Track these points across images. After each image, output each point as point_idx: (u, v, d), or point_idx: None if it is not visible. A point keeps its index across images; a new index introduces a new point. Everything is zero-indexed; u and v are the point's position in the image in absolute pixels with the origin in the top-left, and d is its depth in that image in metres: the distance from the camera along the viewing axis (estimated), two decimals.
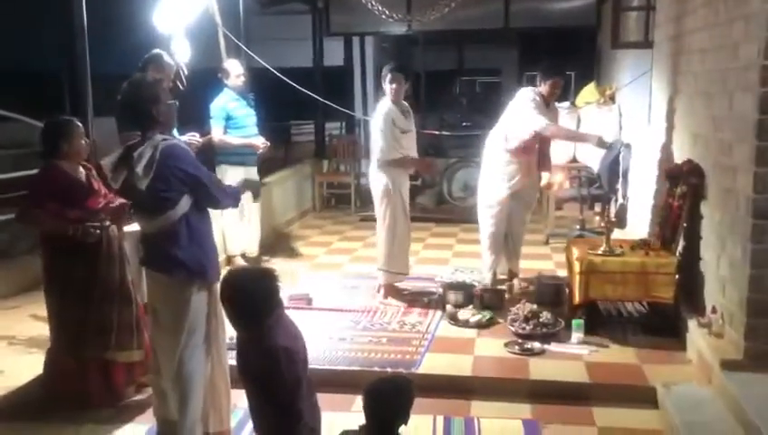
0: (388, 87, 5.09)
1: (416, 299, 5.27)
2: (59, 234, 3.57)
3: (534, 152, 5.33)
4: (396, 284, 5.42)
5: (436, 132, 9.90)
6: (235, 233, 6.21)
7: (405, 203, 5.23)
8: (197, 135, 5.29)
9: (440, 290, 5.35)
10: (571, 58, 13.80)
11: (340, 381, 3.94)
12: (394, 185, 5.13)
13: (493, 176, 5.34)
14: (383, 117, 5.06)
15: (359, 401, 3.70)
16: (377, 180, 5.17)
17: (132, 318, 3.76)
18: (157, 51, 4.97)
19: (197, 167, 3.11)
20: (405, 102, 5.27)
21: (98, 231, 3.63)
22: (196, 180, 3.06)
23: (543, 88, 5.17)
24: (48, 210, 3.55)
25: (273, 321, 2.64)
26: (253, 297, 2.64)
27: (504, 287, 5.33)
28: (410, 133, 5.23)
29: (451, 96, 19.37)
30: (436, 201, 9.37)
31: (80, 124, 3.77)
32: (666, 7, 5.43)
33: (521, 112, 5.18)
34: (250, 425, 3.55)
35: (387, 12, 6.31)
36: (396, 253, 5.23)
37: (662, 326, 4.46)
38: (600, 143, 5.40)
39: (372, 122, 5.21)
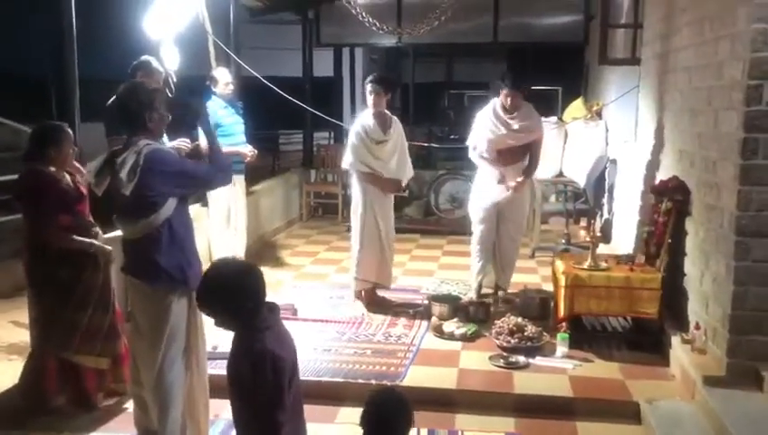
0: (368, 97, 5.20)
1: (401, 311, 5.25)
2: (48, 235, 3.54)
3: (507, 163, 5.30)
4: (378, 293, 5.43)
5: (425, 144, 9.90)
6: (220, 240, 6.17)
7: (378, 215, 5.23)
8: (188, 141, 5.28)
9: (426, 302, 5.34)
10: (558, 73, 13.98)
11: (324, 393, 3.91)
12: (365, 195, 5.21)
13: (476, 183, 5.45)
14: (356, 129, 5.20)
15: (342, 412, 3.73)
16: (353, 188, 5.33)
17: (104, 325, 3.72)
18: (146, 57, 4.95)
19: (181, 162, 3.12)
20: (388, 112, 5.31)
21: (109, 248, 3.67)
22: (183, 173, 3.07)
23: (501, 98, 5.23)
24: (60, 223, 3.54)
25: (264, 325, 2.52)
26: (233, 289, 2.49)
27: (489, 300, 5.34)
28: (388, 143, 5.24)
29: (439, 109, 19.46)
30: (423, 213, 9.38)
31: (70, 131, 3.75)
32: (653, 25, 5.50)
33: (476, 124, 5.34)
34: None
35: (377, 24, 6.33)
36: (365, 261, 5.24)
37: (646, 342, 4.47)
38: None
39: (350, 131, 5.32)
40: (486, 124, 5.26)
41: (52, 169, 3.60)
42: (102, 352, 3.73)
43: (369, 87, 5.20)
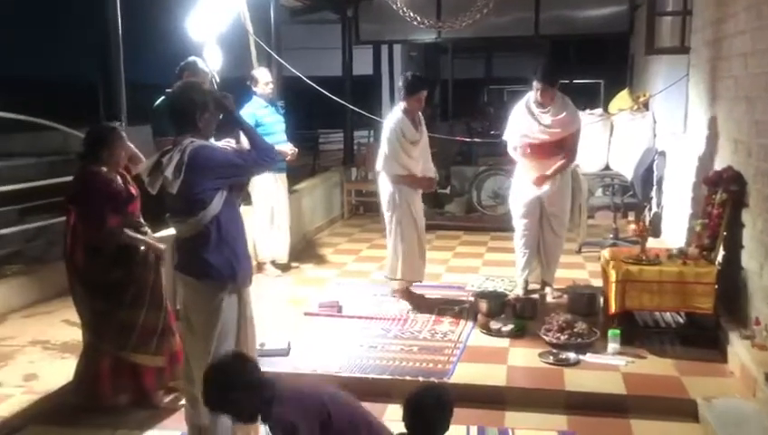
0: (411, 98, 5.05)
1: (446, 308, 5.20)
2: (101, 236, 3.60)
3: (541, 159, 5.17)
4: (415, 291, 5.41)
5: (467, 139, 9.81)
6: (265, 239, 6.22)
7: (413, 211, 5.17)
8: (233, 141, 5.33)
9: (471, 299, 5.28)
10: (601, 66, 13.73)
11: (371, 390, 3.89)
12: (401, 194, 5.11)
13: (516, 177, 5.36)
14: (392, 128, 5.06)
15: (390, 409, 3.70)
16: (383, 188, 5.19)
17: (158, 323, 3.76)
18: (192, 58, 5.01)
19: (224, 154, 3.13)
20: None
21: (161, 246, 3.72)
22: (226, 165, 3.07)
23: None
24: (110, 223, 3.61)
25: (268, 401, 2.48)
26: (241, 385, 2.48)
27: (536, 296, 5.24)
28: (420, 142, 5.17)
29: (479, 104, 19.31)
30: (466, 209, 9.31)
31: (122, 133, 3.80)
32: (703, 11, 5.33)
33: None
34: None
35: (418, 18, 6.27)
36: (408, 261, 5.18)
37: (701, 337, 4.33)
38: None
39: (383, 130, 5.20)
40: (519, 119, 5.16)
41: (105, 169, 3.66)
42: (158, 350, 3.77)
43: (421, 94, 5.06)
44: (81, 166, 3.72)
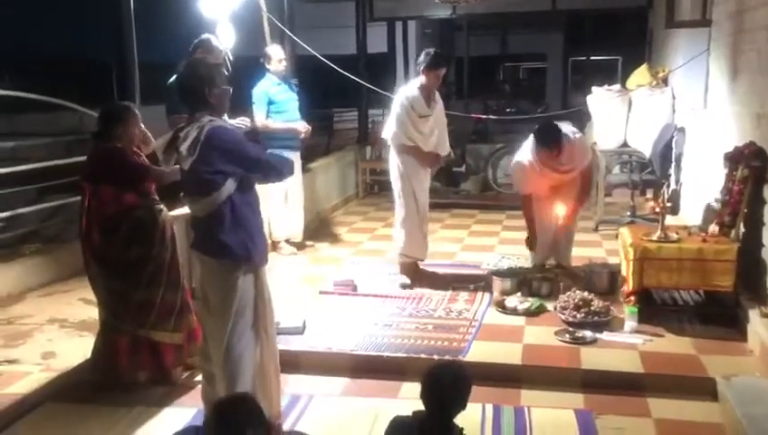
0: (430, 73, 5.02)
1: (461, 286, 5.18)
2: (120, 212, 3.61)
3: (560, 192, 5.14)
4: (422, 266, 5.40)
5: (483, 116, 9.72)
6: (279, 219, 6.22)
7: (414, 186, 5.15)
8: (247, 120, 5.31)
9: (487, 277, 5.25)
10: (618, 42, 13.53)
11: (386, 368, 3.90)
12: (405, 168, 5.12)
13: (529, 170, 5.16)
14: (402, 101, 5.06)
15: (405, 387, 3.70)
16: (392, 161, 5.22)
17: (176, 301, 3.78)
18: (206, 35, 4.99)
19: (242, 141, 3.08)
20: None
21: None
22: (242, 153, 3.02)
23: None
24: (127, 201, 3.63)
25: None
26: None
27: (552, 275, 5.20)
28: (430, 118, 5.15)
29: (495, 82, 19.14)
30: (481, 188, 9.25)
31: (136, 111, 3.80)
32: None
33: None
34: (298, 408, 3.57)
35: None
36: (408, 239, 5.20)
37: (720, 316, 4.29)
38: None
39: (393, 103, 5.21)
40: (531, 177, 5.03)
41: (120, 145, 3.66)
42: (176, 327, 3.79)
43: (441, 70, 5.03)
44: (96, 144, 3.72)
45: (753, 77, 4.45)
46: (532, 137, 4.96)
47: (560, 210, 5.15)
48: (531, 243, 5.30)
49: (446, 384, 2.42)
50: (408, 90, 5.17)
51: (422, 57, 5.13)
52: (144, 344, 3.74)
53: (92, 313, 4.30)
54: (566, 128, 4.94)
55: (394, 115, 5.12)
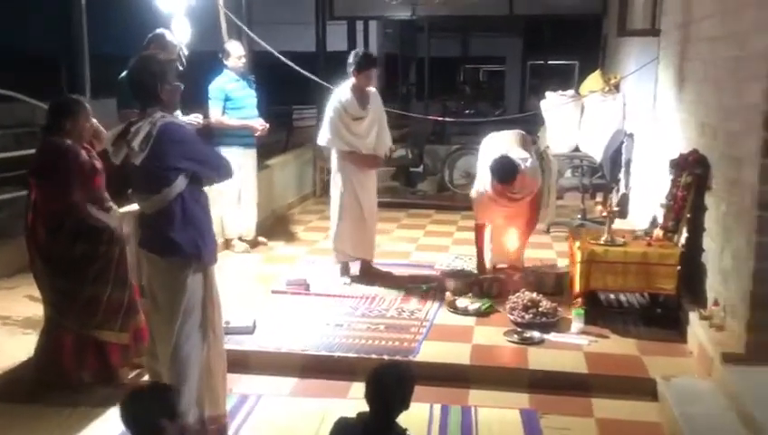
0: (360, 75, 5.03)
1: (414, 286, 5.22)
2: (67, 209, 3.53)
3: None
4: (376, 267, 5.45)
5: (440, 118, 9.81)
6: (232, 216, 6.17)
7: (357, 189, 5.19)
8: (201, 116, 5.25)
9: (440, 277, 5.31)
10: (576, 47, 13.79)
11: (336, 368, 3.91)
12: (344, 171, 5.16)
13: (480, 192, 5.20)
14: (335, 105, 5.09)
15: (355, 387, 3.71)
16: (333, 161, 5.27)
17: (123, 300, 3.72)
18: (160, 30, 4.92)
19: (195, 139, 3.07)
20: (369, 88, 5.22)
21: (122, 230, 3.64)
22: (194, 151, 3.02)
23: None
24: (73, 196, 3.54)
25: None
26: None
27: (503, 275, 5.28)
28: (365, 119, 5.16)
29: (455, 83, 19.30)
30: (438, 188, 9.32)
31: (87, 105, 3.72)
32: None
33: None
34: (246, 408, 3.56)
35: None
36: (343, 235, 5.23)
37: (663, 318, 4.41)
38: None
39: (326, 107, 5.22)
40: (488, 205, 5.09)
41: (69, 141, 3.58)
42: (123, 326, 3.73)
43: (371, 72, 5.07)
44: (45, 138, 3.63)
45: (698, 86, 4.59)
46: (489, 170, 4.90)
47: (511, 244, 5.30)
48: (480, 270, 5.35)
49: (390, 384, 2.45)
50: (340, 93, 5.15)
51: (351, 58, 5.11)
52: (89, 344, 3.67)
53: (38, 310, 4.20)
54: (517, 154, 4.94)
55: (327, 120, 5.12)
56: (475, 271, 5.37)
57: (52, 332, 3.71)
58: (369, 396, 2.45)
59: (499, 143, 5.24)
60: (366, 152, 5.18)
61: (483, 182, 5.06)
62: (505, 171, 4.81)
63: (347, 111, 5.08)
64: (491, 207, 5.11)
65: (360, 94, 5.14)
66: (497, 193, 4.93)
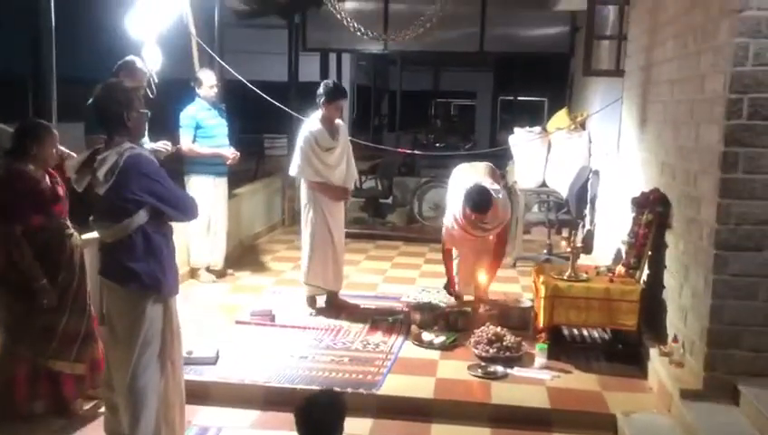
0: (330, 106, 5.11)
1: (380, 318, 5.21)
2: (26, 234, 3.46)
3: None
4: (342, 297, 5.45)
5: (409, 151, 9.90)
6: (200, 245, 6.11)
7: (329, 219, 5.22)
8: (169, 143, 5.23)
9: (406, 310, 5.30)
10: (545, 84, 14.08)
11: (298, 401, 3.85)
12: (315, 202, 5.19)
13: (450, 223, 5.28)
14: (306, 136, 5.13)
15: None
16: (302, 192, 5.28)
17: (80, 329, 3.65)
18: (130, 57, 4.91)
19: (161, 174, 3.05)
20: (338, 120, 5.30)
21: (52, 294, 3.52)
22: (159, 185, 3.01)
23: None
24: (33, 223, 3.46)
25: None
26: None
27: (468, 309, 5.30)
28: (336, 149, 5.22)
29: (426, 116, 19.52)
30: (407, 220, 9.37)
31: (55, 132, 3.67)
32: (637, 37, 5.52)
33: None
34: None
35: (362, 29, 6.31)
36: (316, 267, 5.23)
37: (625, 353, 4.46)
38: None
39: (297, 138, 5.26)
40: (457, 234, 5.19)
41: (32, 167, 3.53)
42: (78, 357, 3.64)
43: (341, 102, 5.16)
44: (7, 162, 3.57)
45: (658, 127, 4.72)
46: (462, 199, 4.99)
47: (481, 278, 5.36)
48: (449, 287, 5.39)
49: (319, 413, 2.44)
50: (310, 124, 5.20)
51: (321, 89, 5.18)
52: (43, 373, 3.58)
53: None
54: (488, 185, 5.05)
55: (298, 150, 5.15)
56: (442, 304, 5.39)
57: (5, 360, 3.60)
58: (300, 427, 2.43)
59: (469, 174, 5.33)
60: (336, 183, 5.21)
61: (453, 211, 5.10)
62: (481, 199, 4.88)
63: (318, 141, 5.12)
64: (461, 236, 5.14)
65: (329, 125, 5.19)
66: (469, 222, 4.97)
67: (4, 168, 3.57)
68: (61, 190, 3.64)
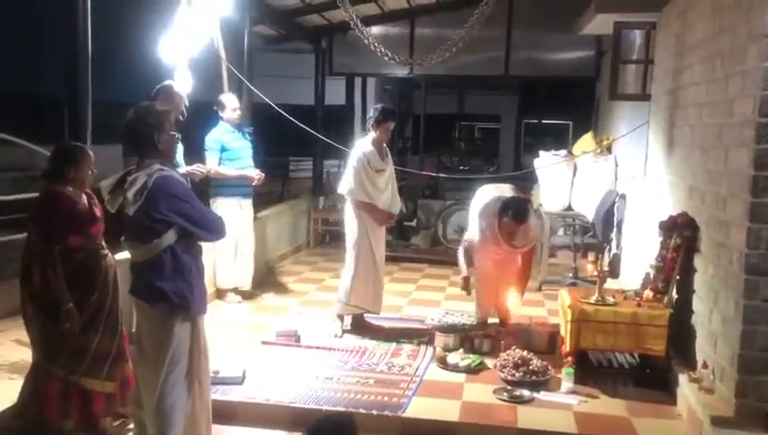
0: (380, 128, 5.22)
1: (405, 341, 5.20)
2: (62, 254, 3.52)
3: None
4: (367, 319, 5.47)
5: (434, 174, 9.93)
6: (227, 266, 6.17)
7: (373, 242, 5.27)
8: (204, 166, 5.33)
9: (430, 332, 5.29)
10: (570, 108, 14.06)
11: (308, 425, 3.85)
12: (361, 221, 5.22)
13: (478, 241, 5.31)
14: (359, 156, 5.20)
15: None
16: (347, 212, 5.32)
17: (112, 348, 3.69)
18: (168, 82, 5.03)
19: (191, 196, 3.10)
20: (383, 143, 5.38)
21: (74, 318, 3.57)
22: (188, 206, 3.05)
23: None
24: (70, 243, 3.53)
25: None
26: None
27: (494, 332, 5.27)
28: (385, 172, 5.31)
29: (450, 140, 19.57)
30: (431, 243, 9.36)
31: (90, 153, 3.75)
32: (664, 61, 5.52)
33: None
34: None
35: (389, 54, 6.38)
36: (359, 287, 5.25)
37: (652, 379, 4.41)
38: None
39: (349, 157, 5.35)
40: (489, 248, 5.20)
41: (70, 188, 3.61)
42: (109, 375, 3.68)
43: (390, 124, 5.26)
44: (46, 185, 3.66)
45: (686, 150, 4.70)
46: (496, 209, 5.05)
47: (511, 300, 5.39)
48: (466, 285, 5.37)
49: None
50: (363, 145, 5.30)
51: (371, 112, 5.35)
52: (74, 391, 3.61)
53: (24, 355, 4.18)
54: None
55: (351, 170, 5.22)
56: (466, 327, 5.37)
57: (38, 378, 3.66)
58: None
59: (495, 192, 5.34)
60: (382, 207, 5.27)
61: (481, 226, 5.14)
62: (520, 208, 4.94)
63: (370, 162, 5.20)
64: (487, 250, 5.11)
65: (379, 147, 5.29)
66: (502, 234, 4.98)
67: (42, 190, 3.66)
68: (98, 211, 3.71)
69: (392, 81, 15.82)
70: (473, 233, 5.29)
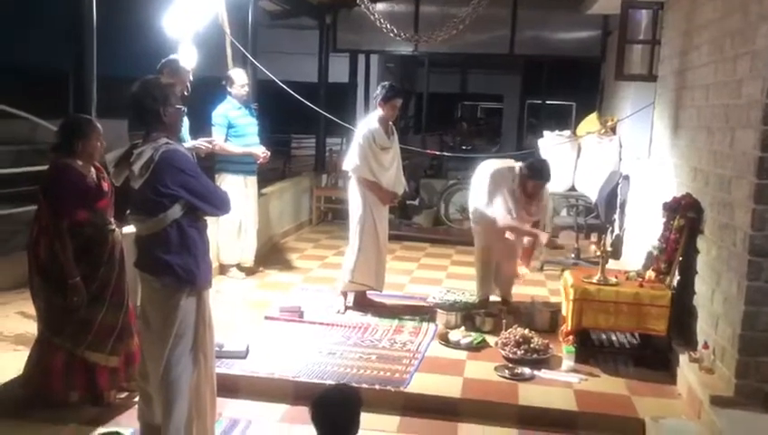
0: (386, 105, 5.18)
1: (407, 318, 5.24)
2: (70, 228, 3.54)
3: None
4: (369, 296, 5.49)
5: (437, 153, 9.92)
6: (230, 243, 6.19)
7: (376, 220, 5.27)
8: (211, 140, 5.32)
9: (432, 310, 5.33)
10: (574, 88, 14.00)
11: (313, 397, 3.89)
12: (367, 199, 5.22)
13: (485, 213, 5.28)
14: (365, 133, 5.18)
15: None
16: (352, 189, 5.31)
17: (117, 323, 3.72)
18: (174, 56, 5.01)
19: (196, 170, 3.10)
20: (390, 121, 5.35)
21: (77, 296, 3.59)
22: (194, 180, 3.05)
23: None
24: (78, 217, 3.54)
25: None
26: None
27: (496, 311, 5.31)
28: (390, 151, 5.28)
29: (453, 119, 19.51)
30: (433, 222, 9.38)
31: (98, 125, 3.74)
32: (671, 42, 5.48)
33: None
34: (236, 433, 3.55)
35: (395, 30, 6.34)
36: (363, 265, 5.26)
37: (653, 359, 4.44)
38: None
39: (355, 134, 5.33)
40: (507, 199, 5.11)
41: (79, 162, 3.61)
42: (113, 350, 3.71)
43: (397, 101, 5.20)
44: (54, 158, 3.65)
45: (692, 132, 4.69)
46: (518, 170, 5.08)
47: (522, 270, 5.45)
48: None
49: (335, 407, 2.46)
50: (369, 122, 5.28)
51: (378, 90, 5.30)
52: (79, 364, 3.65)
53: (29, 327, 4.21)
54: None
55: (356, 147, 5.20)
56: (467, 305, 5.40)
57: (43, 349, 3.70)
58: (317, 421, 2.46)
59: (501, 164, 5.36)
60: (386, 186, 5.26)
61: (489, 190, 5.14)
62: (543, 167, 5.00)
63: (376, 140, 5.18)
64: (509, 205, 5.05)
65: (385, 125, 5.26)
66: (525, 192, 5.03)
67: (51, 163, 3.66)
68: (106, 185, 3.71)
69: (395, 59, 15.75)
70: (479, 202, 5.25)
